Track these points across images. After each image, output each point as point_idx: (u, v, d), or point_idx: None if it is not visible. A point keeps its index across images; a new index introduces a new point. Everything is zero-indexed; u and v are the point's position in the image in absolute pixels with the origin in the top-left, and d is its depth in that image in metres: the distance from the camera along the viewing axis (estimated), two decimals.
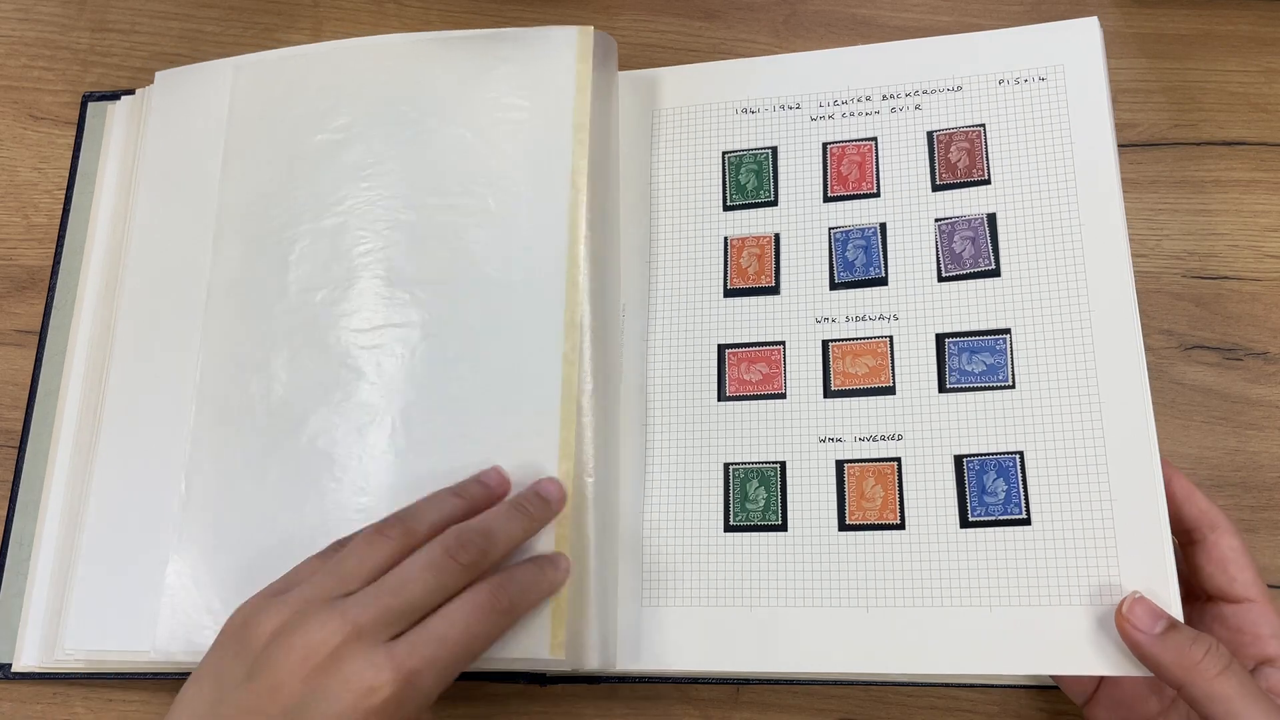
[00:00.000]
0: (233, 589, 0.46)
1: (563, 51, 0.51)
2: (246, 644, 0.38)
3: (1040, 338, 0.45)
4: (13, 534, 0.50)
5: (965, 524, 0.44)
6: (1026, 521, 0.43)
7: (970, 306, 0.47)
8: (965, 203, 0.48)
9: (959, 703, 0.47)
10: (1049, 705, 0.46)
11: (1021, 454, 0.44)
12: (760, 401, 0.47)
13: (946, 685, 0.47)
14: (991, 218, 0.48)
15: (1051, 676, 0.45)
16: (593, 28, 0.51)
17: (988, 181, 0.48)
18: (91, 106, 0.58)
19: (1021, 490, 0.43)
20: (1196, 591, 0.43)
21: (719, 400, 0.48)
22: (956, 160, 0.49)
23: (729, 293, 0.49)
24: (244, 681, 0.37)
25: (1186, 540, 0.43)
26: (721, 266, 0.50)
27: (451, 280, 0.49)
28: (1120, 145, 0.53)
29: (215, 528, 0.47)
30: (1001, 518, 0.43)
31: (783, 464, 0.46)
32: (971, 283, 0.47)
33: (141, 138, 0.55)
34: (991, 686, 0.47)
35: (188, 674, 0.47)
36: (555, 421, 0.46)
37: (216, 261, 0.51)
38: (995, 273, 0.47)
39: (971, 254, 0.47)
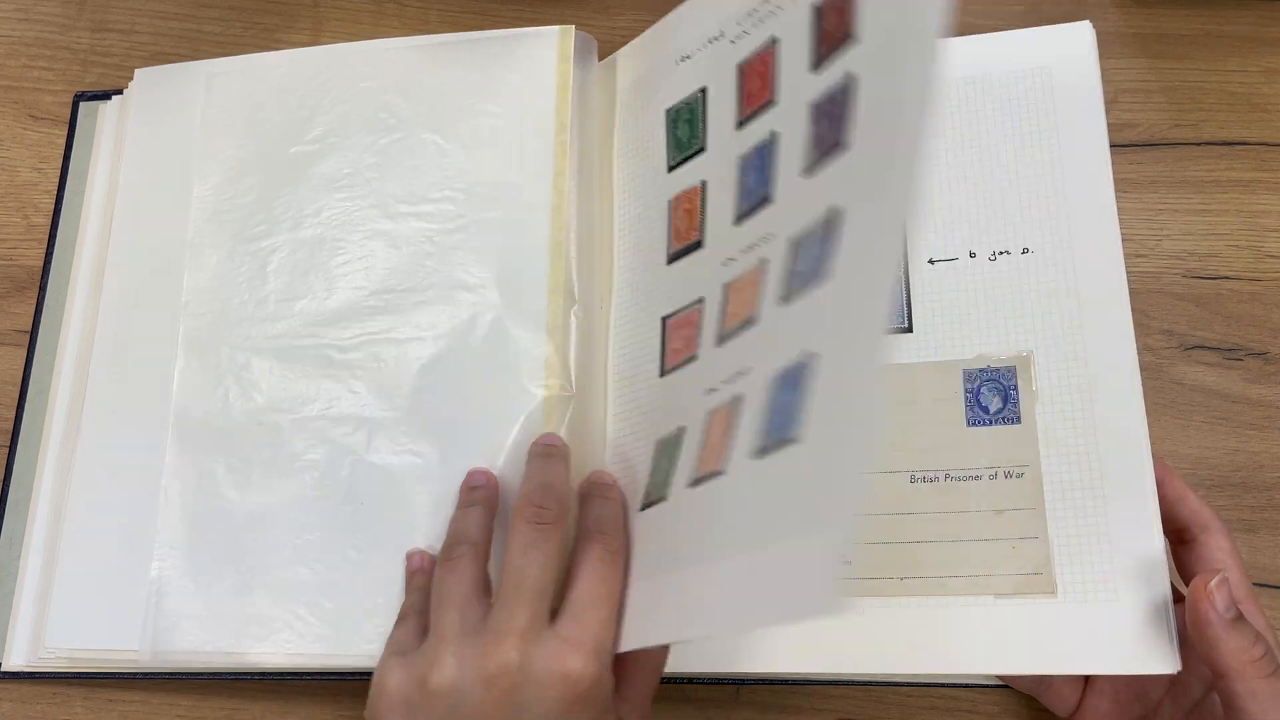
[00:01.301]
0: (216, 591, 0.46)
1: (544, 52, 0.51)
2: (422, 702, 0.38)
3: None
4: (2, 534, 0.50)
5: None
6: None
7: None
8: None
9: (959, 703, 0.47)
10: None
11: None
12: (681, 370, 0.43)
13: (946, 685, 0.47)
14: None
15: (1035, 691, 0.45)
16: (573, 27, 0.51)
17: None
18: (83, 106, 0.57)
19: None
20: (1181, 594, 0.43)
21: (660, 376, 0.45)
22: None
23: (671, 258, 0.46)
24: None
25: (1177, 540, 0.43)
26: (665, 232, 0.47)
27: (431, 289, 0.49)
28: (1120, 145, 0.53)
29: (197, 531, 0.47)
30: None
31: (683, 429, 0.41)
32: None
33: (123, 136, 0.55)
34: (991, 686, 0.47)
35: (179, 674, 0.47)
36: (539, 427, 0.46)
37: (193, 267, 0.51)
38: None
39: None
